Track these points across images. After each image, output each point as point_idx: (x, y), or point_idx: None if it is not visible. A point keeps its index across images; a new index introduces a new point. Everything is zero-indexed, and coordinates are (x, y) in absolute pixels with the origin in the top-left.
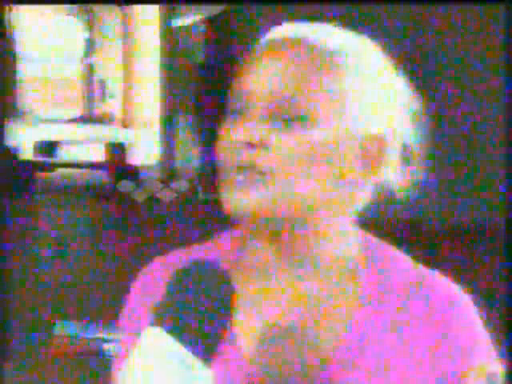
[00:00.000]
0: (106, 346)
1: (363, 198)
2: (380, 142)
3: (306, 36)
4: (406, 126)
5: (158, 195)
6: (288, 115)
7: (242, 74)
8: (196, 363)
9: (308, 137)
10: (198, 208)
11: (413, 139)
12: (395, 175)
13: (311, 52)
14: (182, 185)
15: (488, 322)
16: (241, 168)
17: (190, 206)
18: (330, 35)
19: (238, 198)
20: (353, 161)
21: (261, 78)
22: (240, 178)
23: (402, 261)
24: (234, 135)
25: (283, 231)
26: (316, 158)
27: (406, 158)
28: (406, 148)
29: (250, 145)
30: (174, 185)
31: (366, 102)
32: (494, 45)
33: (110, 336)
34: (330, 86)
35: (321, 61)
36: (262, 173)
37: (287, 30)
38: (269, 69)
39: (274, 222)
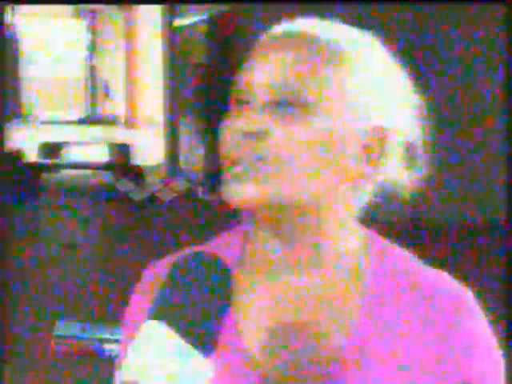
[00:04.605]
0: (106, 346)
1: (365, 193)
2: (381, 136)
3: (308, 29)
4: (408, 121)
5: (158, 195)
6: (288, 104)
7: (245, 66)
8: (195, 354)
9: (309, 126)
10: (197, 208)
11: (415, 135)
12: (398, 172)
13: (312, 43)
14: (181, 184)
15: (488, 320)
16: (241, 158)
17: (189, 206)
18: (331, 29)
19: (239, 190)
20: (354, 153)
21: (262, 69)
22: (240, 168)
23: (407, 261)
24: (235, 125)
25: (286, 223)
26: (317, 148)
27: (409, 154)
28: (408, 144)
29: (251, 134)
30: (173, 185)
31: (367, 95)
32: (494, 44)
33: (110, 336)
34: (331, 76)
35: (322, 52)
36: (262, 162)
37: (289, 24)
38: (270, 59)
39: (276, 213)
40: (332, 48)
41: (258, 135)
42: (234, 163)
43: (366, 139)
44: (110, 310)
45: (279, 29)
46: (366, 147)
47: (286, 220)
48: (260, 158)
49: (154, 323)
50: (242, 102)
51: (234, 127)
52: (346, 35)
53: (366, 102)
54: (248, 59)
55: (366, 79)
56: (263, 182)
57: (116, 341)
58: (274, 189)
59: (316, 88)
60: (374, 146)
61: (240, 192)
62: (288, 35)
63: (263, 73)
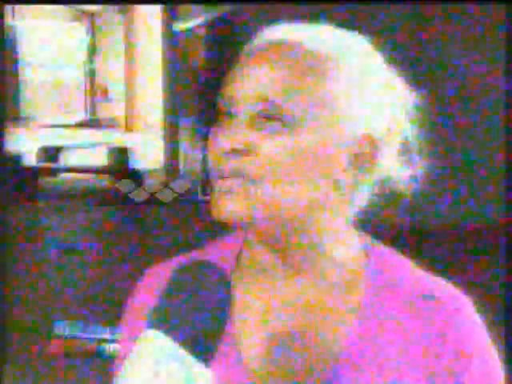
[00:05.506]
0: (106, 346)
1: (360, 198)
2: (372, 142)
3: (292, 38)
4: (402, 122)
5: (158, 195)
6: (273, 118)
7: (230, 77)
8: (195, 363)
9: (296, 141)
10: (197, 208)
11: (411, 135)
12: (395, 172)
13: (298, 55)
14: (181, 185)
15: (487, 323)
16: (228, 175)
17: (189, 207)
18: (319, 37)
19: (225, 207)
20: (345, 163)
21: (247, 83)
22: (227, 185)
23: (406, 267)
24: (220, 141)
25: (277, 236)
26: (305, 163)
27: (405, 154)
28: (404, 144)
29: (237, 151)
30: (173, 185)
31: (356, 103)
32: (494, 44)
33: (110, 336)
34: (318, 89)
35: (308, 64)
36: (249, 180)
37: (274, 32)
38: (255, 73)
39: (265, 229)
40: (318, 57)
41: (244, 152)
42: (220, 178)
43: (357, 147)
44: (110, 310)
45: (262, 38)
46: (357, 154)
47: (278, 232)
48: (247, 176)
49: (152, 332)
50: (227, 117)
51: (220, 144)
52: (334, 41)
53: (354, 110)
54: (231, 71)
55: (354, 87)
56: (250, 200)
57: (116, 341)
58: (262, 206)
59: (301, 100)
60: (365, 153)
61: (226, 209)
62: (272, 46)
63: (246, 87)
